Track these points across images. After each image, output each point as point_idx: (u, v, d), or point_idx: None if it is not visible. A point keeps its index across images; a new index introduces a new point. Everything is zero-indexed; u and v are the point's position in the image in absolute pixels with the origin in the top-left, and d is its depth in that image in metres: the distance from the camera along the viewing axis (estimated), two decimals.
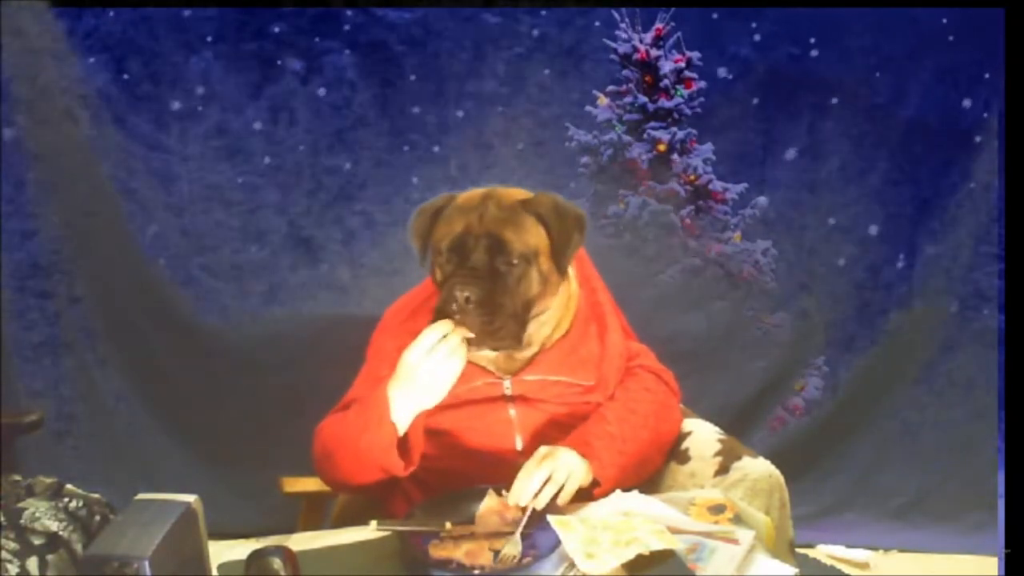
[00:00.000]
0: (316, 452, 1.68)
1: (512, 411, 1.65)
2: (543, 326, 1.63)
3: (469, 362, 1.54)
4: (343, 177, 2.97)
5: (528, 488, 1.47)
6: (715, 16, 2.93)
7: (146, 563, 1.20)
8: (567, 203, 1.63)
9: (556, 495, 1.50)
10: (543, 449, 1.53)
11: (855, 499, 3.10)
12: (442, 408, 1.60)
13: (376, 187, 2.98)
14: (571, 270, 1.70)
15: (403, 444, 1.52)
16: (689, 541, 1.35)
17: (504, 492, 1.51)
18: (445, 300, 1.48)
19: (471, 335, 1.47)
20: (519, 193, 1.62)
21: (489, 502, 1.50)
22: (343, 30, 2.90)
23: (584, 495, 1.55)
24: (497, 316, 1.49)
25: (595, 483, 1.57)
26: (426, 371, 1.46)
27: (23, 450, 2.15)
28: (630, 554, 1.30)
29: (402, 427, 1.50)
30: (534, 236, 1.55)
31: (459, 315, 1.47)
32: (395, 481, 1.60)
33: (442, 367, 1.46)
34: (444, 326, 1.46)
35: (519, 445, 1.64)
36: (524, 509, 1.46)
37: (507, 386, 1.64)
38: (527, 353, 1.64)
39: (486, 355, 1.61)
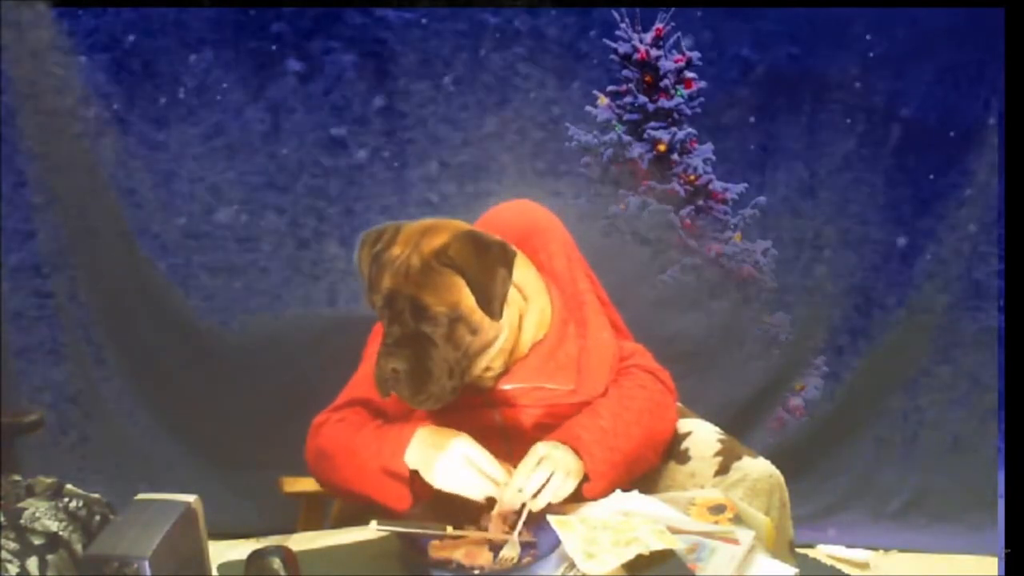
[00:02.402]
0: (312, 450, 1.67)
1: (497, 416, 1.64)
2: (500, 353, 1.62)
3: None
4: (343, 177, 2.97)
5: (527, 489, 1.47)
6: (715, 16, 2.94)
7: (146, 563, 1.20)
8: (486, 238, 1.54)
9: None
10: (540, 449, 1.52)
11: (855, 499, 3.10)
12: (430, 415, 1.60)
13: (375, 187, 2.98)
14: (524, 278, 1.66)
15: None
16: (689, 541, 1.35)
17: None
18: (377, 370, 1.50)
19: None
20: (444, 235, 1.53)
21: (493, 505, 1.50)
22: (343, 30, 2.90)
23: (574, 492, 1.55)
24: (427, 383, 1.49)
25: (585, 479, 1.56)
26: (451, 470, 1.46)
27: (23, 450, 2.15)
28: (630, 554, 1.30)
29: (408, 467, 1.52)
30: (453, 292, 1.50)
31: (391, 384, 1.48)
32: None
33: (461, 482, 1.46)
34: (493, 467, 1.47)
35: (508, 446, 1.63)
36: (520, 510, 1.46)
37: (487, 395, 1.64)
38: (492, 373, 1.63)
39: None
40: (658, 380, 1.76)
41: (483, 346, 1.57)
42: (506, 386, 1.64)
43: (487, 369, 1.61)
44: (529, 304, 1.66)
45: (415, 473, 1.52)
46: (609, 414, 1.63)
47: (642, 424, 1.66)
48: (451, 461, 1.47)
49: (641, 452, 1.66)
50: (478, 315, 1.52)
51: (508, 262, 1.54)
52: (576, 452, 1.54)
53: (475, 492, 1.47)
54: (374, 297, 1.55)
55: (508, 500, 1.47)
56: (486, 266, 1.52)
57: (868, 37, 2.92)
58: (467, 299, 1.52)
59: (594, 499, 1.55)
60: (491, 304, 1.51)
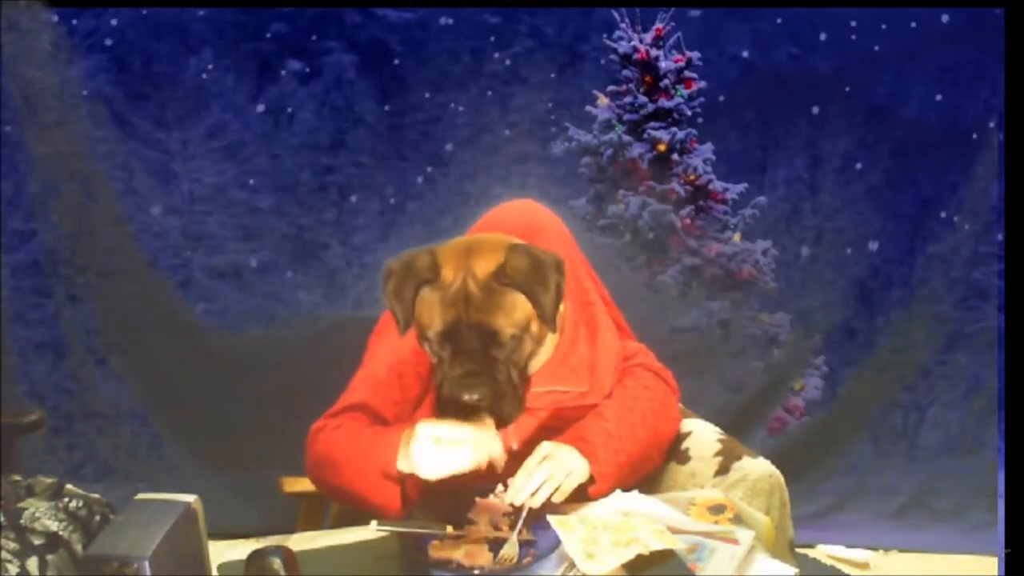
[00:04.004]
0: (311, 456, 1.67)
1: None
2: (541, 356, 1.63)
3: None
4: (343, 177, 2.97)
5: (527, 486, 1.47)
6: (715, 16, 2.94)
7: (146, 563, 1.20)
8: (541, 253, 1.55)
9: (552, 493, 1.50)
10: (545, 447, 1.53)
11: (855, 499, 3.10)
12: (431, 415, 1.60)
13: (376, 187, 2.98)
14: None
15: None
16: (689, 541, 1.35)
17: (503, 492, 1.50)
18: (450, 402, 1.48)
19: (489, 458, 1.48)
20: (495, 254, 1.52)
21: (481, 502, 1.50)
22: (343, 30, 2.90)
23: (579, 493, 1.55)
24: (504, 399, 1.50)
25: (590, 480, 1.56)
26: (429, 457, 1.46)
27: (23, 450, 2.15)
28: (630, 554, 1.30)
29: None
30: (520, 311, 1.51)
31: (467, 412, 1.48)
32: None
33: (444, 462, 1.46)
34: (462, 432, 1.46)
35: (515, 447, 1.64)
36: (519, 508, 1.46)
37: None
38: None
39: None
40: (661, 380, 1.76)
41: (536, 355, 1.58)
42: None
43: None
44: None
45: (406, 476, 1.52)
46: (614, 416, 1.63)
47: (647, 425, 1.66)
48: (423, 449, 1.46)
49: (646, 453, 1.66)
50: (537, 327, 1.54)
51: (561, 272, 1.56)
52: (581, 455, 1.55)
53: (461, 465, 1.46)
54: (428, 332, 1.53)
55: (510, 496, 1.48)
56: (543, 279, 1.53)
57: (868, 37, 2.92)
58: (531, 314, 1.53)
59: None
60: (548, 313, 1.53)
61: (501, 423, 1.53)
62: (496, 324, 1.49)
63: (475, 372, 1.48)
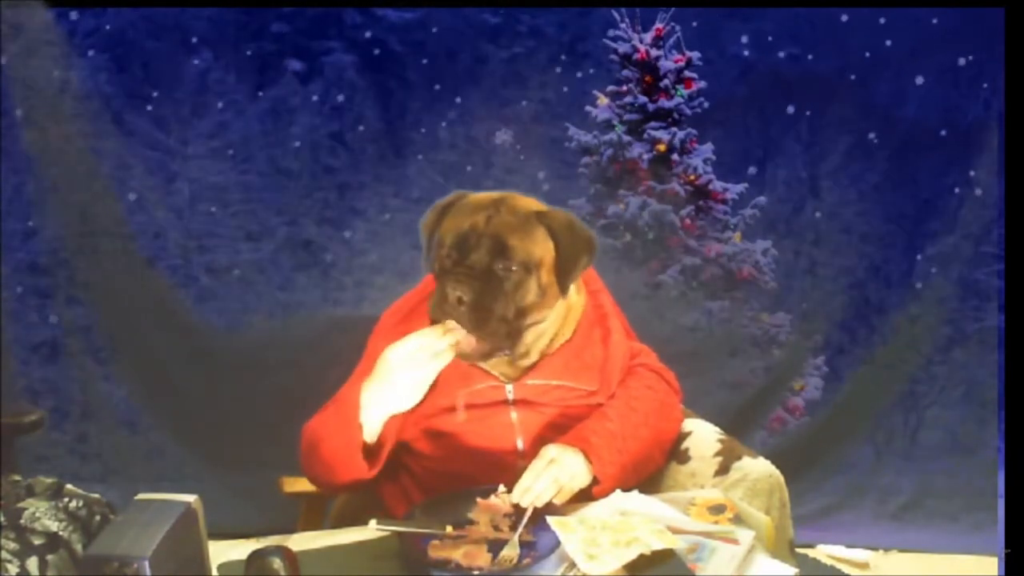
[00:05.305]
0: (302, 449, 1.68)
1: (514, 414, 1.64)
2: (540, 336, 1.62)
3: (472, 365, 1.55)
4: (343, 177, 2.97)
5: (533, 488, 1.48)
6: (715, 16, 2.94)
7: (146, 563, 1.20)
8: (582, 225, 1.62)
9: (555, 495, 1.50)
10: (551, 451, 1.53)
11: (855, 499, 3.10)
12: (443, 410, 1.60)
13: (375, 187, 2.98)
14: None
15: (374, 446, 1.53)
16: (689, 541, 1.35)
17: (504, 492, 1.50)
18: (439, 297, 1.49)
19: (459, 338, 1.48)
20: (534, 204, 1.60)
21: (482, 502, 1.50)
22: (343, 30, 2.90)
23: (583, 494, 1.55)
24: (488, 320, 1.49)
25: (594, 481, 1.57)
26: (401, 375, 1.46)
27: (23, 450, 2.15)
28: (631, 554, 1.30)
29: (371, 430, 1.51)
30: (540, 247, 1.54)
31: (451, 314, 1.48)
32: (373, 483, 1.61)
33: (418, 372, 1.46)
34: (431, 333, 1.47)
35: (520, 446, 1.64)
36: (521, 509, 1.46)
37: (509, 390, 1.64)
38: (527, 361, 1.64)
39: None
40: (663, 380, 1.77)
41: (538, 316, 1.58)
42: (530, 381, 1.64)
43: (523, 355, 1.62)
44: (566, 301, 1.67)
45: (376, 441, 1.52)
46: (617, 416, 1.63)
47: (649, 425, 1.67)
48: (402, 368, 1.47)
49: (649, 453, 1.67)
50: (548, 280, 1.54)
51: (592, 253, 1.60)
52: (585, 455, 1.55)
53: (440, 361, 1.48)
54: (446, 239, 1.55)
55: (515, 497, 1.48)
56: (575, 243, 1.57)
57: (868, 37, 2.92)
58: (548, 260, 1.54)
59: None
60: (566, 277, 1.55)
61: (482, 349, 1.51)
62: (510, 241, 1.51)
63: (471, 275, 1.49)
